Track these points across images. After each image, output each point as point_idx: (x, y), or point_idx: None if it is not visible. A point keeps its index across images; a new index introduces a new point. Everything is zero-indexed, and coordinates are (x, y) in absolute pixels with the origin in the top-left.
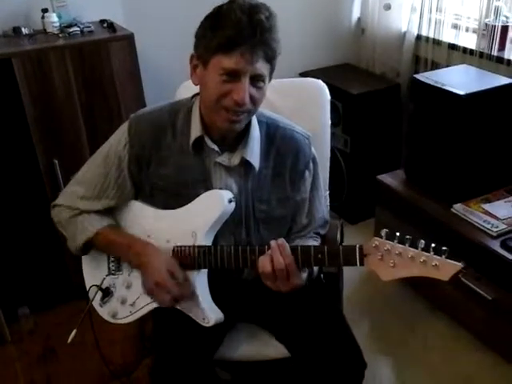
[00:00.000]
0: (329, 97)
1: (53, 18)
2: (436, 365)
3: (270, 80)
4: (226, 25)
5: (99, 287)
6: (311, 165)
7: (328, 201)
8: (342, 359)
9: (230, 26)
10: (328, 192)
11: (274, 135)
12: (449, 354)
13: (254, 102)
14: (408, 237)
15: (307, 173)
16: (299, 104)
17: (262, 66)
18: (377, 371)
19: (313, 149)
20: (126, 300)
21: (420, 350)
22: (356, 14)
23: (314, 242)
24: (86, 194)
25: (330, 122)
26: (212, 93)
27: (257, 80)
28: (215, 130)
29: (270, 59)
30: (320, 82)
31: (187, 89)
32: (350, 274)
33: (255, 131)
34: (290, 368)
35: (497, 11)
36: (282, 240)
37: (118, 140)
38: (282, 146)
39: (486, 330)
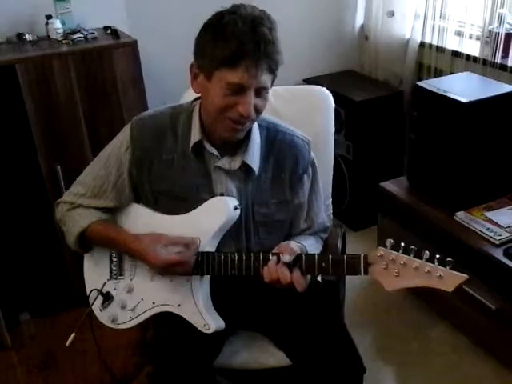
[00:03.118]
0: (333, 105)
1: (57, 24)
2: (438, 373)
3: (271, 87)
4: (228, 38)
5: (100, 291)
6: (310, 169)
7: (331, 208)
8: (341, 364)
9: (233, 39)
10: (331, 200)
11: (274, 139)
12: (451, 362)
13: (258, 111)
14: (413, 247)
15: (306, 177)
16: (303, 111)
17: (265, 79)
18: (379, 379)
19: (312, 153)
20: (127, 305)
21: (422, 359)
22: (359, 21)
23: (317, 243)
24: (86, 193)
25: (333, 130)
26: (216, 105)
27: (261, 91)
28: (216, 135)
29: (273, 70)
30: (325, 89)
31: (193, 95)
32: (352, 281)
33: (255, 135)
34: (290, 375)
35: (501, 18)
36: (288, 258)
37: (120, 143)
38: (282, 150)
39: (488, 339)
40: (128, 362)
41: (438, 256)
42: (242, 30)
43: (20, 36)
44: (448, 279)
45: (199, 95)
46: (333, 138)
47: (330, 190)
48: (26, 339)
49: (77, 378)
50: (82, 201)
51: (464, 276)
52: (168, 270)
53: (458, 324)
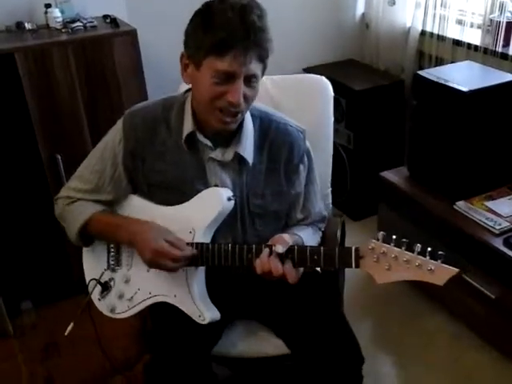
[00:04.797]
0: (332, 93)
1: (56, 13)
2: (438, 363)
3: (262, 77)
4: (217, 26)
5: (98, 281)
6: (305, 158)
7: (330, 198)
8: (339, 353)
9: (222, 27)
10: (330, 189)
11: (268, 129)
12: (451, 352)
13: (247, 101)
14: (404, 240)
15: (301, 167)
16: (302, 100)
17: (255, 67)
18: (378, 370)
19: (307, 142)
20: (124, 295)
21: (422, 349)
22: (360, 9)
23: (314, 234)
24: (83, 187)
25: (333, 119)
26: (205, 94)
27: (250, 80)
28: (208, 126)
29: (263, 59)
30: (323, 78)
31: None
32: (351, 272)
33: (248, 125)
34: (289, 364)
35: (502, 7)
36: (281, 249)
37: (114, 136)
38: (276, 139)
39: (488, 328)
40: (129, 349)
41: (429, 249)
42: (231, 18)
43: (19, 25)
44: (439, 273)
45: (190, 87)
46: (332, 127)
47: (330, 180)
48: (27, 328)
49: (79, 366)
50: (81, 196)
51: (455, 270)
52: (156, 261)
53: (458, 313)
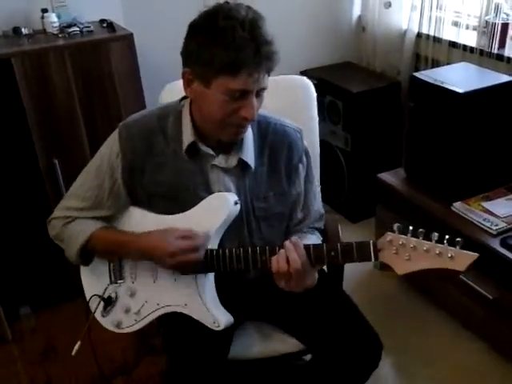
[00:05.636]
0: (315, 94)
1: (52, 18)
2: (437, 363)
3: None
4: (228, 45)
5: (101, 297)
6: (304, 158)
7: (320, 196)
8: (358, 342)
9: (234, 46)
10: (319, 187)
11: (266, 132)
12: (449, 352)
13: (257, 111)
14: (421, 230)
15: (301, 166)
16: (284, 102)
17: (266, 79)
18: (378, 370)
19: (305, 142)
20: (131, 309)
21: (420, 349)
22: (356, 12)
23: (316, 238)
24: (80, 205)
25: (317, 119)
26: (218, 112)
27: (260, 92)
28: (211, 136)
29: (271, 70)
30: (305, 78)
31: (171, 92)
32: (348, 274)
33: (248, 131)
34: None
35: (497, 8)
36: (295, 238)
37: (110, 150)
38: (275, 141)
39: (486, 329)
40: (128, 351)
41: (447, 237)
42: (242, 36)
43: (16, 30)
44: (459, 259)
45: (185, 95)
46: (317, 126)
47: (318, 178)
48: (26, 332)
49: (78, 370)
50: (78, 214)
51: (475, 254)
52: (180, 260)
53: (456, 314)
